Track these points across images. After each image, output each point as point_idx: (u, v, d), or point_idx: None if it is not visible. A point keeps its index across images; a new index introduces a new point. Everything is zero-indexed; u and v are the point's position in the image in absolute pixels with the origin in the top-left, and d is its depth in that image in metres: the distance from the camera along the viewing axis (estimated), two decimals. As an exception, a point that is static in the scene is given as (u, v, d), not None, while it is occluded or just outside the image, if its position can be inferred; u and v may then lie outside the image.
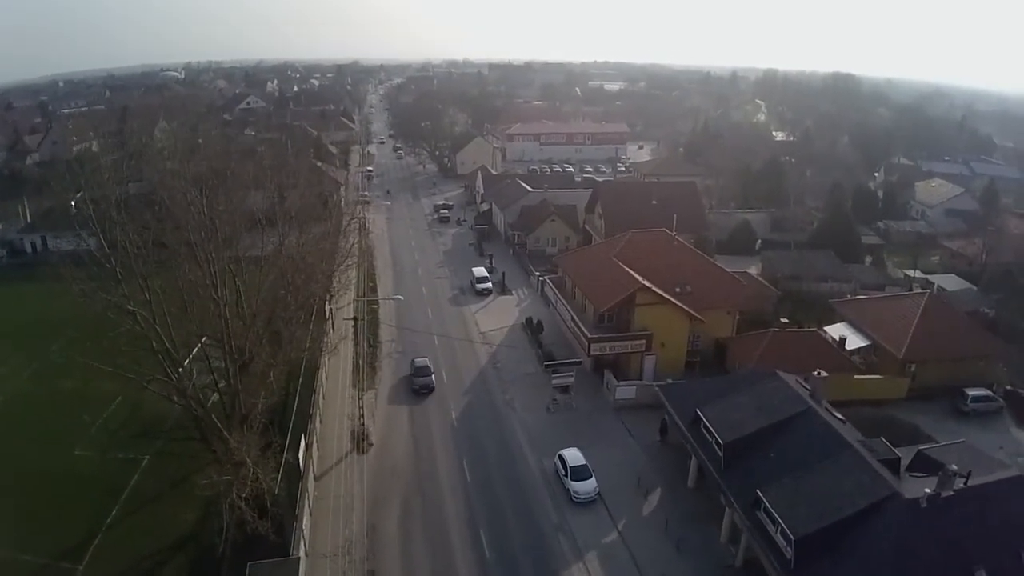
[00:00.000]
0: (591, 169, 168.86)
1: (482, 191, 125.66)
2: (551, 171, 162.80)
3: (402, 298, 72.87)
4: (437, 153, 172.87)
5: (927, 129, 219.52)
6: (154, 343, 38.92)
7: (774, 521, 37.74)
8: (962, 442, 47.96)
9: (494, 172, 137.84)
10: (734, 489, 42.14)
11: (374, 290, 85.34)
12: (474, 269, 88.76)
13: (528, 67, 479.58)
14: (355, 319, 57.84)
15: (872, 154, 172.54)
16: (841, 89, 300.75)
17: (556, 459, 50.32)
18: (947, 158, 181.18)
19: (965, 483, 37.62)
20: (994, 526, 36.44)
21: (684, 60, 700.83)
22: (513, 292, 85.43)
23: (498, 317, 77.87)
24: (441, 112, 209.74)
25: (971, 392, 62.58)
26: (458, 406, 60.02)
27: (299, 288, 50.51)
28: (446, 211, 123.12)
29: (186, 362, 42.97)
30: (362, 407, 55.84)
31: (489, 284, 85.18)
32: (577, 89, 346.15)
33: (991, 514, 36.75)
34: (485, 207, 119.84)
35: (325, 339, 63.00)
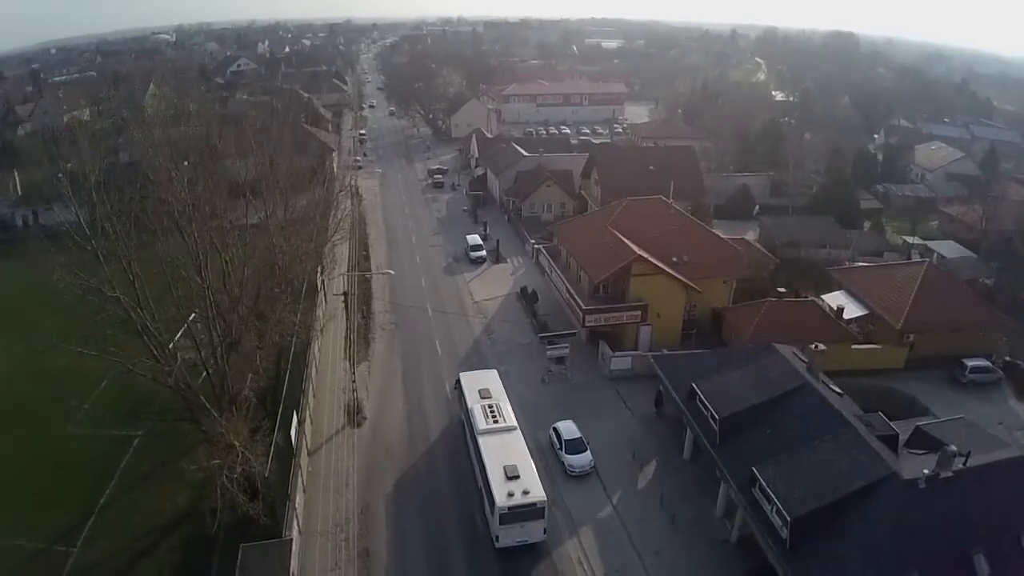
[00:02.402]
0: (588, 131, 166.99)
1: (477, 155, 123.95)
2: (547, 133, 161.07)
3: (393, 272, 71.77)
4: (431, 116, 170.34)
5: (927, 91, 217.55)
6: (139, 326, 38.11)
7: (770, 500, 37.31)
8: (961, 418, 47.56)
9: (489, 135, 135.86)
10: (729, 465, 41.74)
11: (367, 259, 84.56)
12: (468, 237, 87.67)
13: (524, 24, 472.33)
14: (345, 294, 57.06)
15: (872, 115, 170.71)
16: (841, 48, 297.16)
17: (551, 431, 49.96)
18: (947, 120, 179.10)
19: (964, 463, 37.10)
20: (994, 508, 36.01)
21: (683, 16, 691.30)
22: (508, 260, 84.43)
23: (493, 286, 77.04)
24: (435, 73, 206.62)
25: (969, 363, 61.98)
26: (453, 378, 59.25)
27: (286, 268, 49.47)
28: (440, 176, 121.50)
29: (171, 345, 42.13)
30: (355, 380, 55.38)
31: (483, 252, 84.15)
32: (574, 47, 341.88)
33: (991, 495, 36.27)
34: (480, 172, 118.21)
35: (316, 312, 62.18)
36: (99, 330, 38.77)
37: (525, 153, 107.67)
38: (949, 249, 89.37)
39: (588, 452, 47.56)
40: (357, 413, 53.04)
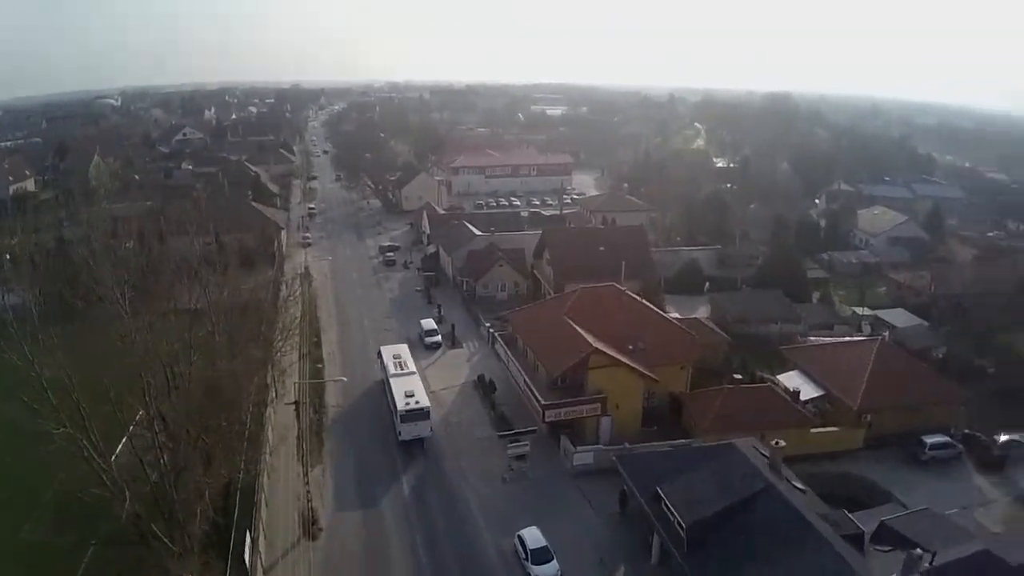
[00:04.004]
0: (538, 202, 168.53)
1: (428, 232, 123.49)
2: (497, 205, 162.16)
3: (346, 379, 69.51)
4: (380, 188, 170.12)
5: (865, 150, 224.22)
6: (85, 453, 36.26)
7: (742, 616, 36.56)
8: (925, 509, 47.65)
9: (440, 210, 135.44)
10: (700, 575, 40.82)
11: (319, 345, 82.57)
12: (422, 321, 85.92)
13: (470, 91, 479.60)
14: (296, 403, 55.43)
15: (812, 180, 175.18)
16: (778, 110, 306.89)
17: (515, 540, 48.33)
18: (887, 179, 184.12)
19: (931, 563, 37.03)
20: None
21: (622, 81, 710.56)
22: (464, 345, 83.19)
23: (449, 374, 75.51)
24: (383, 143, 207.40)
25: (928, 440, 62.29)
26: (410, 478, 57.65)
27: (231, 400, 47.49)
28: (392, 253, 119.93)
29: (113, 457, 40.09)
30: (308, 487, 53.13)
31: (438, 337, 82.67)
32: (520, 115, 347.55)
33: None
34: (432, 249, 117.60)
35: (266, 423, 59.85)
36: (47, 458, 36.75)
37: (477, 232, 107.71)
38: (899, 318, 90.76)
39: (555, 561, 45.97)
40: (312, 524, 50.78)
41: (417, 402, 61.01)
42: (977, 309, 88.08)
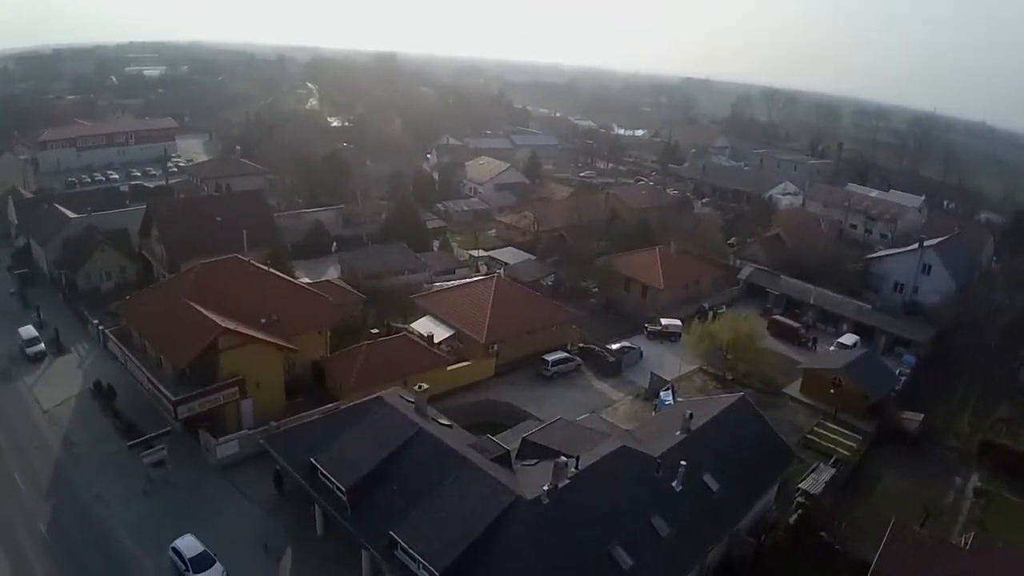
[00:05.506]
0: (139, 173, 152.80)
1: (16, 222, 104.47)
2: (92, 180, 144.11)
3: None
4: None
5: (468, 105, 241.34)
6: None
7: (414, 559, 37.64)
8: (559, 419, 53.07)
9: (28, 193, 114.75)
10: (367, 533, 41.17)
11: None
12: (21, 330, 72.20)
13: (57, 56, 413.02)
14: None
15: (423, 135, 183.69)
16: (386, 69, 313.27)
17: (170, 553, 43.89)
18: (488, 132, 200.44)
19: (576, 467, 41.00)
20: (616, 500, 40.72)
21: (226, 37, 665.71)
22: (72, 349, 72.14)
23: (60, 387, 64.68)
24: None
25: (550, 358, 70.42)
26: (45, 515, 48.96)
27: None
28: None
29: None
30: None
31: (42, 346, 70.34)
32: (113, 78, 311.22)
33: (609, 489, 40.90)
34: (22, 242, 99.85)
35: None
36: None
37: (72, 215, 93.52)
38: (510, 255, 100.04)
39: (218, 564, 42.93)
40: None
41: None
42: (575, 239, 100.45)
